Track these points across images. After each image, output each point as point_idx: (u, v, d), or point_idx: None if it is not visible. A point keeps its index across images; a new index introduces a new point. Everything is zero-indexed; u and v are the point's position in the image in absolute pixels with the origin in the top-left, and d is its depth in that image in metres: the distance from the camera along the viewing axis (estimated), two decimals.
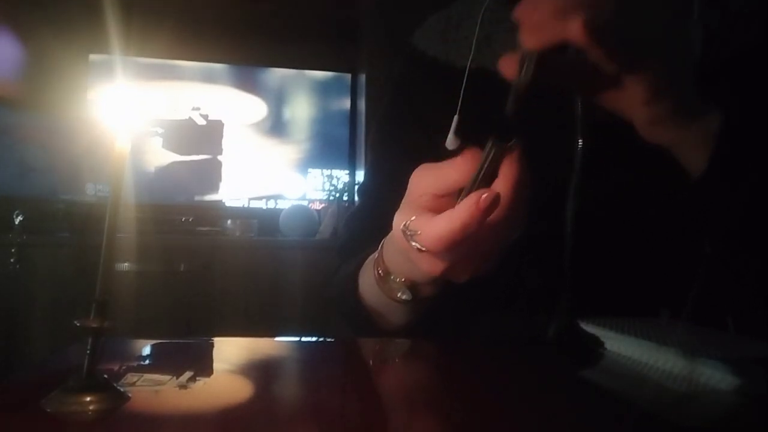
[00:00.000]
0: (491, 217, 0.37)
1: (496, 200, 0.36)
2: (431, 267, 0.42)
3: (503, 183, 0.37)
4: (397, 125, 0.70)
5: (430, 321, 0.56)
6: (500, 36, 0.62)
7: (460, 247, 0.38)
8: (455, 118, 0.48)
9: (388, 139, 0.71)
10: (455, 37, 0.66)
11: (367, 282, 0.56)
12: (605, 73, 0.39)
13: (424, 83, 0.68)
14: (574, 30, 0.35)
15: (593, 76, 0.40)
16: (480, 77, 0.60)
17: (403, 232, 0.41)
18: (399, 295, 0.50)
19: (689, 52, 0.43)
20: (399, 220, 0.42)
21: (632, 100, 0.41)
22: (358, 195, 0.75)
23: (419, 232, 0.40)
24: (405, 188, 0.45)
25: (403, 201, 0.44)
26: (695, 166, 0.45)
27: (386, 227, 0.52)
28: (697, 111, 0.43)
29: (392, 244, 0.49)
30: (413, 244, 0.40)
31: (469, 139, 0.45)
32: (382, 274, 0.51)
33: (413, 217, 0.41)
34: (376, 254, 0.52)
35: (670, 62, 0.40)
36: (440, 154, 0.42)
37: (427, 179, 0.42)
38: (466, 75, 0.59)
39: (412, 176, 0.43)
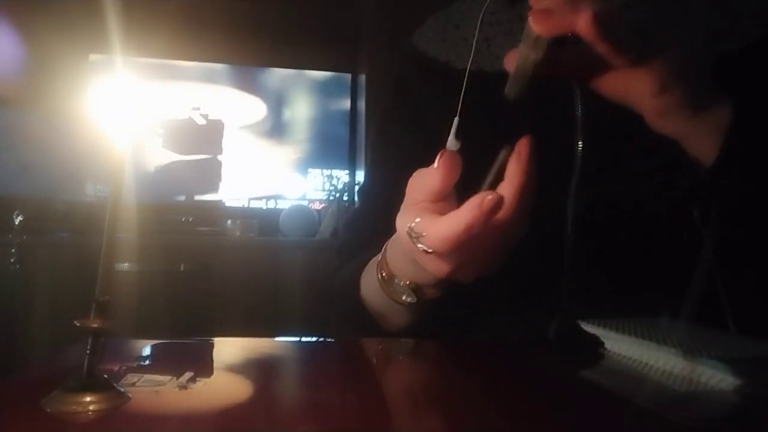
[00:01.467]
0: (496, 218, 0.37)
1: (499, 203, 0.36)
2: (437, 268, 0.42)
3: (509, 186, 0.38)
4: (396, 126, 0.70)
5: (431, 322, 0.56)
6: (500, 38, 0.62)
7: (465, 248, 0.39)
8: (455, 120, 0.48)
9: (387, 140, 0.71)
10: (454, 38, 0.66)
11: (369, 284, 0.56)
12: (613, 65, 0.39)
13: (423, 84, 0.68)
14: (582, 23, 0.35)
15: (600, 67, 0.40)
16: (480, 79, 0.60)
17: (408, 234, 0.41)
18: (403, 298, 0.50)
19: (699, 42, 0.43)
20: (402, 223, 0.43)
21: (640, 92, 0.41)
22: (358, 196, 0.75)
23: (424, 234, 0.40)
24: (405, 189, 0.45)
25: (403, 205, 0.44)
26: (705, 156, 0.45)
27: (386, 228, 0.52)
28: (707, 102, 0.43)
29: (397, 247, 0.49)
30: (419, 246, 0.40)
31: (469, 141, 0.45)
32: (386, 277, 0.51)
33: (417, 219, 0.41)
34: (379, 257, 0.52)
35: (679, 53, 0.40)
36: None
37: (419, 185, 0.42)
38: (466, 77, 0.59)
39: (409, 182, 0.43)
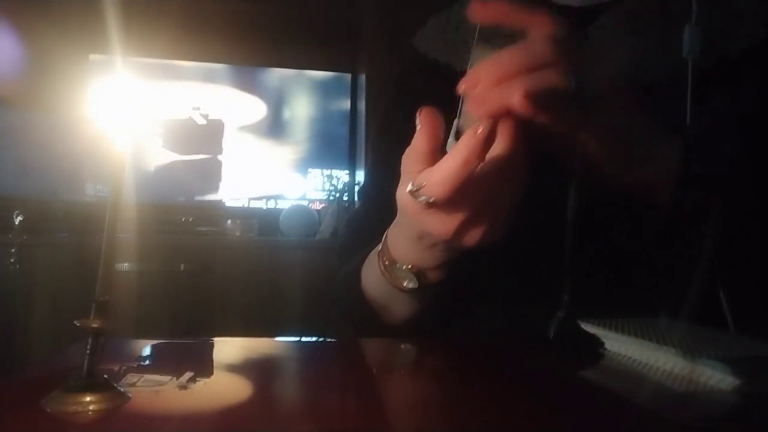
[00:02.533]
0: (494, 155, 0.38)
1: (492, 132, 0.37)
2: (442, 227, 0.42)
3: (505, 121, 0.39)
4: (397, 127, 0.70)
5: (431, 318, 0.56)
6: (500, 41, 0.62)
7: (466, 193, 0.39)
8: (455, 122, 0.48)
9: (388, 141, 0.71)
10: (455, 39, 0.66)
11: (371, 275, 0.56)
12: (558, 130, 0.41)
13: (424, 85, 0.68)
14: (516, 103, 0.37)
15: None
16: None
17: (410, 192, 0.41)
18: (405, 283, 0.50)
19: (633, 100, 0.45)
20: (402, 190, 0.43)
21: (591, 151, 0.44)
22: (359, 196, 0.75)
23: (425, 184, 0.40)
24: None
25: (400, 181, 0.45)
26: (664, 200, 0.47)
27: (387, 227, 0.52)
28: (654, 144, 0.46)
29: (398, 229, 0.49)
30: (421, 199, 0.41)
31: None
32: (387, 264, 0.51)
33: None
34: (379, 246, 0.52)
35: (613, 117, 0.43)
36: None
37: (409, 156, 0.43)
38: None
39: (401, 161, 0.44)
